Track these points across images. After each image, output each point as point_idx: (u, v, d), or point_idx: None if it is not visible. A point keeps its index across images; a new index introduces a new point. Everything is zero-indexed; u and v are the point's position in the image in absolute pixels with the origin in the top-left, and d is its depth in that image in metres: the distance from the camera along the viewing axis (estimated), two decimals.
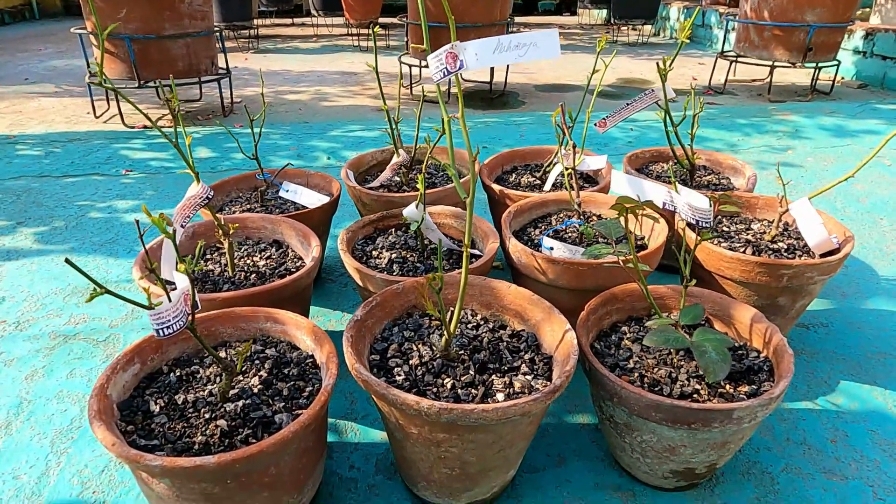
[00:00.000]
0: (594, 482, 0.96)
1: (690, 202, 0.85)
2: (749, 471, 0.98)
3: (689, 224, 0.93)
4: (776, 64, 3.32)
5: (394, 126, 1.42)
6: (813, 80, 3.47)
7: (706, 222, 0.84)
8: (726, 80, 3.65)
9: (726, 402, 0.83)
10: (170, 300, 0.73)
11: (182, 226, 1.04)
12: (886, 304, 1.43)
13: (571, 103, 3.39)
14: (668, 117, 1.39)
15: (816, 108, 3.14)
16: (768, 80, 3.53)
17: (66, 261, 0.62)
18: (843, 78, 3.88)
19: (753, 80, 3.87)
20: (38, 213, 1.91)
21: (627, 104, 1.29)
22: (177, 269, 0.73)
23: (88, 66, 2.92)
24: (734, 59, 3.57)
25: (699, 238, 0.86)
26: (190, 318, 0.76)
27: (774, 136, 2.67)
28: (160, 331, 0.71)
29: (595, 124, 1.35)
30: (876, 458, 1.00)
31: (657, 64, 1.31)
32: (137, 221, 0.69)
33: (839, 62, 3.39)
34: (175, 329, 0.73)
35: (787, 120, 2.89)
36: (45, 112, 3.12)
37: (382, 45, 5.62)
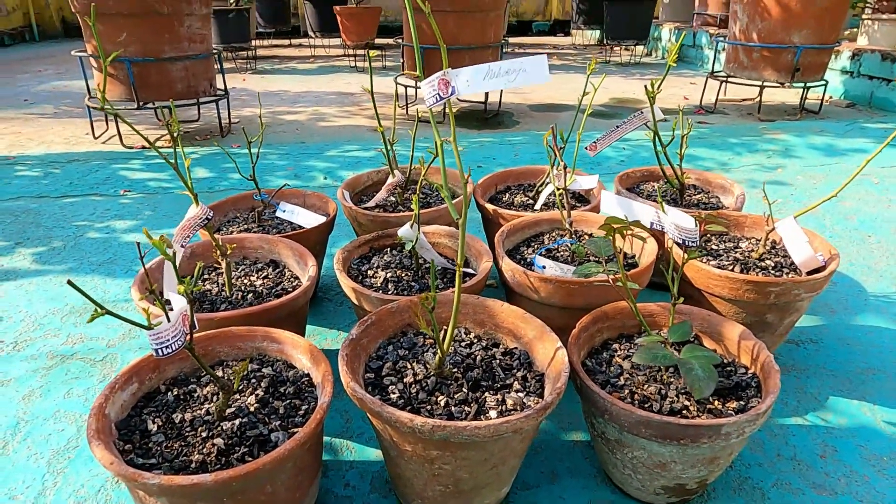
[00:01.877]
0: (587, 499, 0.97)
1: (677, 222, 0.87)
2: (740, 486, 0.99)
3: (676, 243, 0.96)
4: (765, 84, 3.38)
5: (389, 147, 1.44)
6: (802, 99, 3.53)
7: (693, 241, 0.87)
8: (717, 100, 3.71)
9: (714, 417, 0.85)
10: (168, 320, 0.74)
11: (182, 246, 1.06)
12: (875, 320, 1.46)
13: (564, 123, 3.45)
14: (657, 138, 1.42)
15: (806, 127, 3.20)
16: (758, 99, 3.59)
17: (69, 282, 0.63)
18: (831, 97, 3.95)
19: (744, 100, 3.94)
20: (36, 233, 1.93)
21: (617, 126, 1.33)
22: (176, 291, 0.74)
23: (88, 89, 2.96)
24: (724, 79, 3.64)
25: (686, 257, 0.88)
26: (188, 337, 0.77)
27: (765, 154, 2.71)
28: (159, 350, 0.73)
29: (586, 147, 1.38)
30: (865, 474, 1.01)
31: (646, 87, 1.34)
32: (139, 244, 0.71)
33: (827, 82, 3.46)
34: (173, 349, 0.74)
35: (778, 139, 2.94)
36: (44, 133, 3.15)
37: (379, 66, 5.70)
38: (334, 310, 1.50)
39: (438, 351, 0.86)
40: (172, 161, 1.06)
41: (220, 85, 3.33)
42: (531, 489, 0.98)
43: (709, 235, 1.35)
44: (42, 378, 1.26)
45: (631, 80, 4.94)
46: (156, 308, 0.95)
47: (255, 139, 1.43)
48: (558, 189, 1.29)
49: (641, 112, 1.37)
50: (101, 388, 1.24)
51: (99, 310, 0.66)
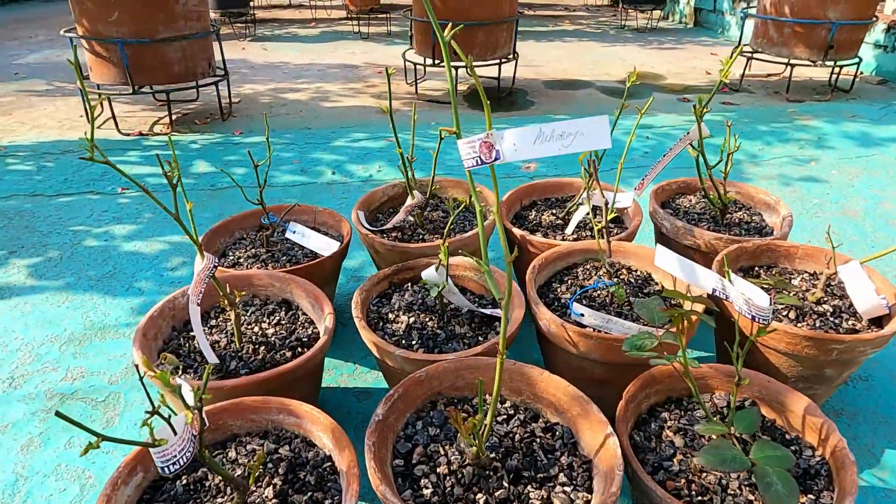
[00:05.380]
0: None
1: (747, 295, 0.77)
2: None
3: (744, 316, 0.86)
4: (793, 62, 3.19)
5: (408, 166, 1.32)
6: (832, 77, 3.35)
7: (765, 319, 0.77)
8: (742, 76, 3.53)
9: None
10: (174, 432, 0.65)
11: (198, 303, 0.96)
12: None
13: (582, 103, 3.28)
14: (701, 158, 1.30)
15: (837, 110, 3.03)
16: (786, 75, 3.40)
17: (57, 413, 0.54)
18: (861, 73, 3.75)
19: (769, 76, 3.75)
20: (30, 240, 1.83)
21: (664, 155, 1.20)
22: (187, 394, 0.65)
23: (80, 70, 2.79)
24: (750, 55, 3.44)
25: (755, 336, 0.78)
26: (197, 443, 0.68)
27: (797, 144, 2.57)
28: (166, 468, 0.64)
29: (634, 188, 1.27)
30: None
31: (693, 106, 1.21)
32: (137, 367, 0.61)
33: (860, 59, 3.27)
34: (182, 463, 0.65)
35: (809, 126, 2.78)
36: (37, 115, 3.00)
37: (383, 32, 5.45)
38: (350, 338, 1.41)
39: (476, 444, 0.77)
40: (173, 211, 0.94)
41: (219, 61, 3.16)
42: None
43: (758, 270, 1.24)
44: (41, 423, 1.18)
45: (648, 49, 4.71)
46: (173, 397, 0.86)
47: (262, 163, 1.30)
48: (597, 223, 1.17)
49: (687, 133, 1.24)
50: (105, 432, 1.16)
51: (94, 440, 0.57)
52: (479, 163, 0.71)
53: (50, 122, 2.90)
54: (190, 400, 0.67)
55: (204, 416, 0.72)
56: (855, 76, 3.38)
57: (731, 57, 1.15)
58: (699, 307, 0.99)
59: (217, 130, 2.78)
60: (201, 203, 2.06)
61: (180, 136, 2.70)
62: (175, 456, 0.65)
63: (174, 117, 2.96)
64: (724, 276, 0.80)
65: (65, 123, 2.88)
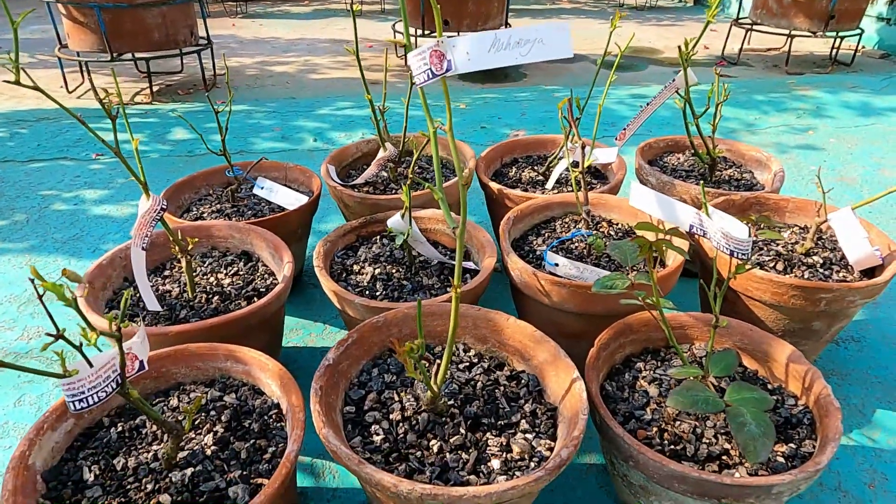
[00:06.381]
0: None
1: (725, 229, 0.71)
2: None
3: (723, 252, 0.80)
4: (794, 33, 3.11)
5: (380, 117, 1.26)
6: (833, 50, 3.26)
7: (744, 253, 0.71)
8: (741, 50, 3.44)
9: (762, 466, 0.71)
10: (90, 365, 0.59)
11: (144, 248, 0.90)
12: None
13: (577, 76, 3.20)
14: (688, 107, 1.23)
15: (838, 81, 2.95)
16: (786, 49, 3.32)
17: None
18: (863, 47, 3.66)
19: (769, 50, 3.66)
20: None
21: (648, 103, 1.14)
22: (107, 330, 0.59)
23: (59, 38, 2.72)
24: (749, 27, 3.35)
25: (733, 272, 0.72)
26: (119, 383, 0.63)
27: (794, 114, 2.49)
28: (73, 404, 0.58)
29: (615, 138, 1.20)
30: None
31: (679, 47, 1.14)
32: (32, 280, 0.55)
33: (862, 31, 3.18)
34: (93, 402, 0.60)
35: (808, 96, 2.70)
36: (14, 86, 2.92)
37: (377, 10, 5.35)
38: (321, 298, 1.35)
39: (429, 388, 0.71)
40: (113, 146, 0.88)
41: (203, 33, 3.08)
42: None
43: (746, 223, 1.18)
44: None
45: (646, 25, 4.61)
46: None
47: (223, 109, 1.24)
48: (574, 170, 1.11)
49: (673, 80, 1.18)
50: (57, 394, 1.11)
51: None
52: (431, 76, 0.65)
53: (28, 92, 2.82)
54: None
55: (132, 351, 0.66)
56: (856, 49, 3.29)
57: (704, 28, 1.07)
58: (676, 242, 0.92)
59: (200, 100, 2.71)
60: (177, 169, 1.99)
61: (161, 105, 2.63)
62: (83, 392, 0.59)
63: (157, 88, 2.89)
64: (703, 210, 0.74)
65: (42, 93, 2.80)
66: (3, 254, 1.52)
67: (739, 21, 3.43)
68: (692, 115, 1.22)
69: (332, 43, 3.98)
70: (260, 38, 4.15)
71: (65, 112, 0.71)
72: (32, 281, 0.53)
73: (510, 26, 3.27)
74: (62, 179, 1.92)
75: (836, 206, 1.09)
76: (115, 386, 0.62)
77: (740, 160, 1.44)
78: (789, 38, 3.20)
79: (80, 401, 0.58)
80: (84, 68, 2.71)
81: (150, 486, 0.68)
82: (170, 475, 0.69)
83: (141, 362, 0.69)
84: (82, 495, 0.67)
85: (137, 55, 2.70)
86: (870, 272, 1.02)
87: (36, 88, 0.76)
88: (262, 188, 1.32)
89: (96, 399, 0.59)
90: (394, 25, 3.33)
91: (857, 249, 0.99)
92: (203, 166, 2.01)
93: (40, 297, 0.53)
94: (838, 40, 3.21)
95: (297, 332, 1.25)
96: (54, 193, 1.83)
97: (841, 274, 1.02)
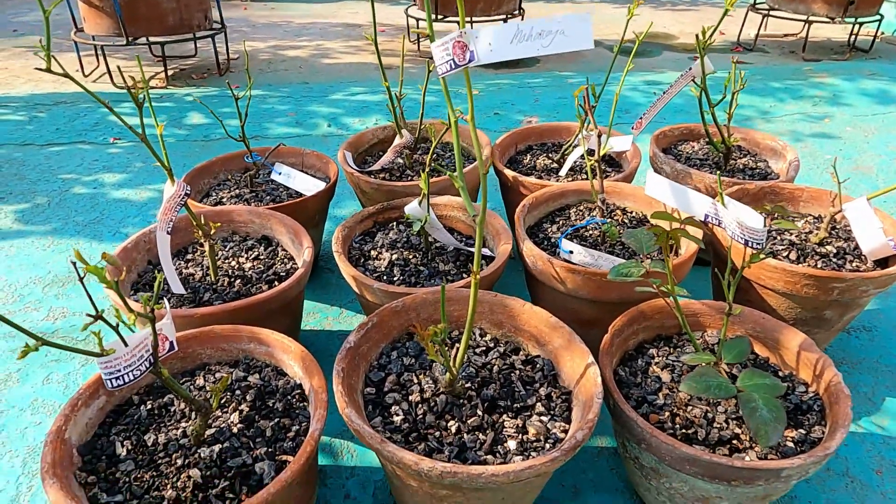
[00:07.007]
0: None
1: (740, 219, 0.72)
2: None
3: (738, 242, 0.81)
4: (812, 19, 3.06)
5: (396, 104, 1.27)
6: (851, 36, 3.21)
7: (758, 243, 0.72)
8: (757, 36, 3.40)
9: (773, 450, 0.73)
10: (125, 344, 0.62)
11: (168, 232, 0.92)
12: None
13: (590, 62, 3.18)
14: (704, 96, 1.23)
15: (855, 68, 2.91)
16: (803, 35, 3.27)
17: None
18: (883, 33, 3.60)
19: (785, 35, 3.61)
20: (19, 187, 1.80)
21: (664, 92, 1.14)
22: (140, 311, 0.62)
23: (75, 21, 2.73)
24: (766, 12, 3.31)
25: (747, 262, 0.73)
26: (152, 363, 0.65)
27: (811, 101, 2.47)
28: (109, 381, 0.61)
29: (632, 128, 1.20)
30: None
31: (697, 36, 1.14)
32: (74, 263, 0.57)
33: (882, 16, 3.13)
34: (128, 380, 0.62)
35: (825, 83, 2.67)
36: (33, 70, 2.95)
37: None
38: (336, 283, 1.37)
39: (448, 371, 0.73)
40: (139, 131, 0.90)
41: (216, 17, 3.08)
42: None
43: (761, 212, 1.19)
44: (20, 360, 1.16)
45: (661, 10, 4.56)
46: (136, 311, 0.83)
47: (243, 96, 1.25)
48: (590, 159, 1.12)
49: (689, 69, 1.18)
50: (83, 373, 1.14)
51: (32, 343, 0.54)
52: (454, 66, 0.66)
53: (45, 76, 2.85)
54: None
55: (162, 332, 0.69)
56: (875, 36, 3.25)
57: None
58: (691, 231, 0.93)
59: (214, 85, 2.72)
60: (193, 154, 2.02)
61: (176, 89, 2.65)
62: (120, 370, 0.61)
63: (171, 72, 2.91)
64: (718, 200, 0.75)
65: (59, 77, 2.82)
66: (27, 236, 1.56)
67: (756, 6, 3.38)
68: (708, 104, 1.22)
69: (344, 27, 3.97)
70: (272, 21, 4.15)
71: (82, 96, 0.74)
72: (74, 264, 0.55)
73: (524, 11, 3.25)
74: (81, 163, 1.95)
75: (851, 196, 1.09)
76: (148, 365, 0.64)
77: (755, 149, 1.44)
78: (807, 24, 3.15)
79: (116, 378, 0.60)
80: (100, 52, 2.73)
81: (179, 462, 0.71)
82: (198, 451, 0.71)
83: (171, 343, 0.72)
84: (116, 468, 0.70)
85: (152, 39, 2.72)
86: (883, 262, 1.03)
87: (66, 76, 0.78)
88: (279, 174, 1.34)
89: (131, 377, 0.62)
90: (406, 10, 3.31)
91: (872, 239, 1.00)
92: (218, 151, 2.03)
93: (81, 279, 0.55)
94: (857, 26, 3.16)
95: (315, 315, 1.28)
96: (74, 177, 1.86)
97: (854, 264, 1.03)
